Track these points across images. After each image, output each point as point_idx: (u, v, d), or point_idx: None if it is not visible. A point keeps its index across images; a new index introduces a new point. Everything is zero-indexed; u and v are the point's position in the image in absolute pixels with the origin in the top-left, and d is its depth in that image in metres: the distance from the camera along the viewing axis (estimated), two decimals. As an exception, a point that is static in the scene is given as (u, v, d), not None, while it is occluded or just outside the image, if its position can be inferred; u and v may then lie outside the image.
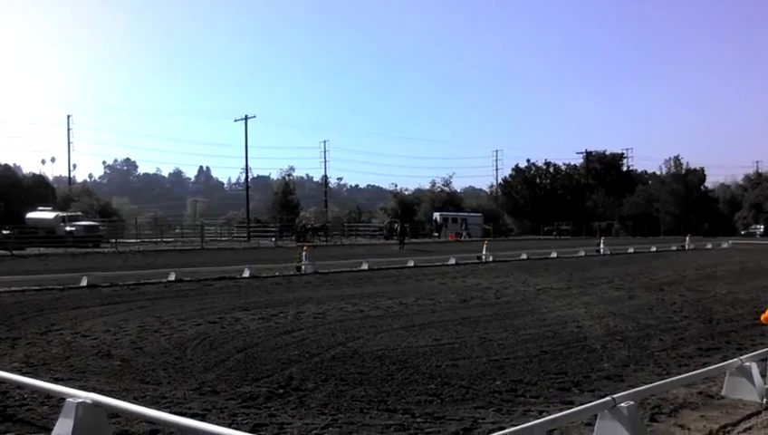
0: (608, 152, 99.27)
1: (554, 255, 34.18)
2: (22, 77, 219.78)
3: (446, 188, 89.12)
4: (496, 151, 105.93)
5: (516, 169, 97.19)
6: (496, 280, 20.89)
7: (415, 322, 12.39)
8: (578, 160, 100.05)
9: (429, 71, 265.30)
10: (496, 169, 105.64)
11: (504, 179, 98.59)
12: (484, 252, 31.73)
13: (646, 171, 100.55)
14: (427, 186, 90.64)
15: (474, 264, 29.17)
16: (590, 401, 6.08)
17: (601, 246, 38.97)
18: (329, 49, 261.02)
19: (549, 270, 25.18)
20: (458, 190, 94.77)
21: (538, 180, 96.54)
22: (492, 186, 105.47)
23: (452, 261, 28.59)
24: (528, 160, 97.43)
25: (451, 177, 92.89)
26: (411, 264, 27.05)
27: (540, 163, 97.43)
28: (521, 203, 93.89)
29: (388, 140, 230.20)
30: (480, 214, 79.09)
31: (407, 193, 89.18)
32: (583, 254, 36.04)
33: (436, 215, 72.49)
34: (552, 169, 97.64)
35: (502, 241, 60.42)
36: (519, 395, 7.36)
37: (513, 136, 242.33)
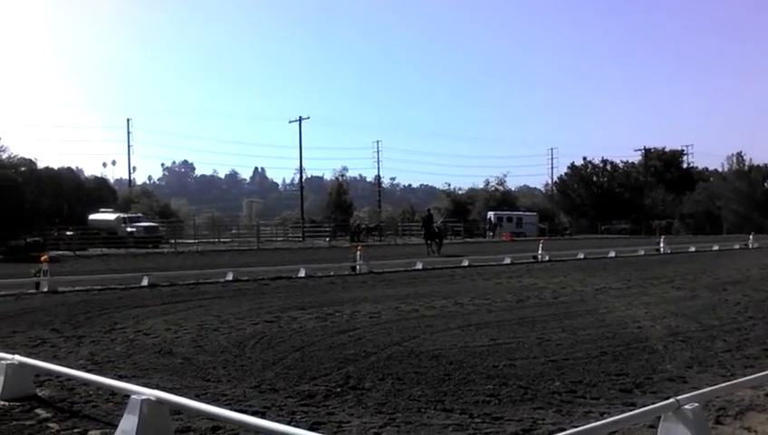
0: (667, 149, 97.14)
1: (612, 254, 33.56)
2: (84, 82, 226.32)
3: (501, 187, 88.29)
4: (551, 149, 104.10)
5: (572, 166, 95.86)
6: (553, 280, 20.61)
7: (471, 321, 12.32)
8: (636, 158, 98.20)
9: (484, 68, 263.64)
10: (551, 168, 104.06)
11: (560, 178, 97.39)
12: (539, 251, 31.36)
13: (707, 168, 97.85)
14: (481, 185, 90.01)
15: (529, 263, 28.84)
16: (653, 403, 5.95)
17: (661, 244, 38.11)
18: (383, 48, 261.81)
19: (607, 270, 24.74)
20: (513, 189, 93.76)
21: (595, 178, 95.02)
22: (547, 184, 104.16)
23: (507, 260, 28.32)
24: (584, 158, 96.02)
25: (505, 175, 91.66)
26: (466, 263, 26.90)
27: (597, 161, 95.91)
28: (577, 202, 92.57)
29: (441, 139, 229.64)
30: (535, 213, 78.22)
31: (460, 192, 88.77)
32: (642, 253, 35.29)
33: (491, 214, 71.92)
34: (609, 167, 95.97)
35: (558, 240, 59.62)
36: (579, 396, 7.25)
37: (568, 133, 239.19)
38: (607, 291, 17.56)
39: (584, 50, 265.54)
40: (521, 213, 76.56)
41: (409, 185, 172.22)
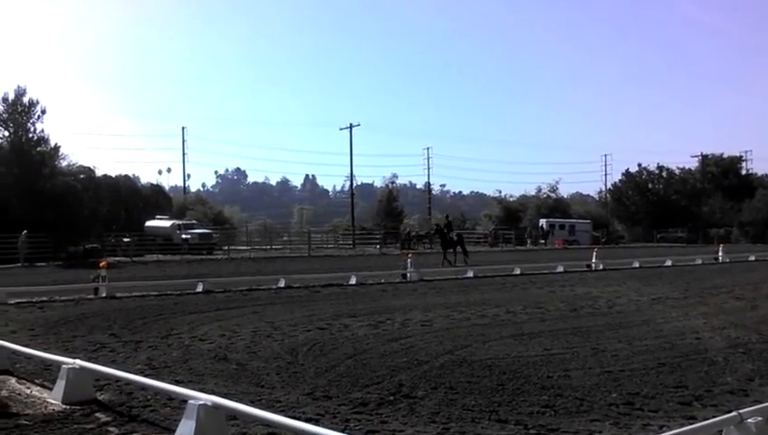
0: (725, 155, 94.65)
1: (669, 263, 32.83)
2: (140, 92, 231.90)
3: (553, 194, 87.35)
4: (605, 156, 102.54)
5: (627, 173, 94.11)
6: (607, 289, 20.26)
7: (524, 330, 12.19)
8: (693, 164, 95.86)
9: (535, 75, 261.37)
10: (605, 175, 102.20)
11: (614, 185, 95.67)
12: (593, 260, 30.88)
13: (767, 175, 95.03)
14: (533, 192, 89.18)
15: (583, 272, 28.42)
16: (714, 417, 5.80)
17: (720, 253, 37.15)
18: (434, 54, 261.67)
19: (663, 279, 24.21)
20: (565, 196, 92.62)
21: (650, 185, 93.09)
22: (600, 191, 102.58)
23: (560, 269, 27.96)
24: (639, 165, 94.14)
25: (557, 182, 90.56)
26: (518, 271, 26.64)
27: (652, 167, 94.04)
28: (632, 209, 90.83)
29: (492, 145, 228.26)
30: (588, 220, 77.04)
31: (511, 199, 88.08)
32: (700, 262, 34.44)
33: (543, 221, 71.15)
34: (665, 174, 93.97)
35: (612, 248, 58.60)
36: (636, 408, 7.10)
37: (622, 140, 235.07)
38: (663, 301, 17.19)
39: (639, 54, 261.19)
40: (573, 220, 75.51)
41: (460, 192, 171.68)
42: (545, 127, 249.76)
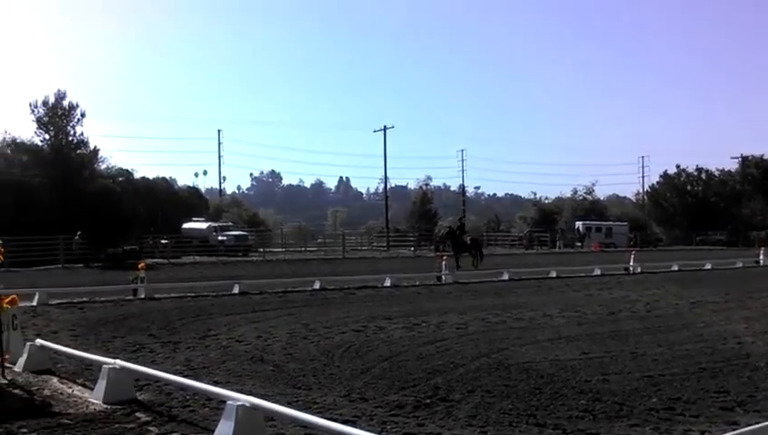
0: (765, 156, 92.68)
1: (708, 266, 32.25)
2: (178, 96, 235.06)
3: (589, 197, 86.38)
4: (642, 157, 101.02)
5: (665, 175, 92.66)
6: (646, 292, 19.98)
7: (561, 334, 12.08)
8: (733, 166, 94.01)
9: (572, 74, 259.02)
10: (642, 176, 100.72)
11: (652, 186, 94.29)
12: (631, 263, 30.46)
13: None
14: (568, 194, 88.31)
15: (620, 275, 28.06)
16: (758, 423, 5.69)
17: (761, 256, 36.39)
18: (467, 57, 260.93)
19: (703, 282, 23.81)
20: (601, 198, 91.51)
21: (689, 187, 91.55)
22: (638, 193, 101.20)
23: (597, 272, 27.65)
24: (677, 166, 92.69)
25: (594, 184, 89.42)
26: (554, 274, 26.40)
27: (691, 169, 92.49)
28: (670, 211, 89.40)
29: (527, 147, 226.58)
30: (626, 223, 76.02)
31: (546, 201, 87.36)
32: (741, 265, 33.78)
33: (579, 224, 70.38)
34: (704, 176, 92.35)
35: (650, 251, 57.76)
36: (677, 414, 6.99)
37: (660, 141, 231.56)
38: (703, 304, 16.90)
39: (678, 54, 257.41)
40: (610, 223, 74.60)
41: (494, 194, 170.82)
42: (582, 129, 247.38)
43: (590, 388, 8.03)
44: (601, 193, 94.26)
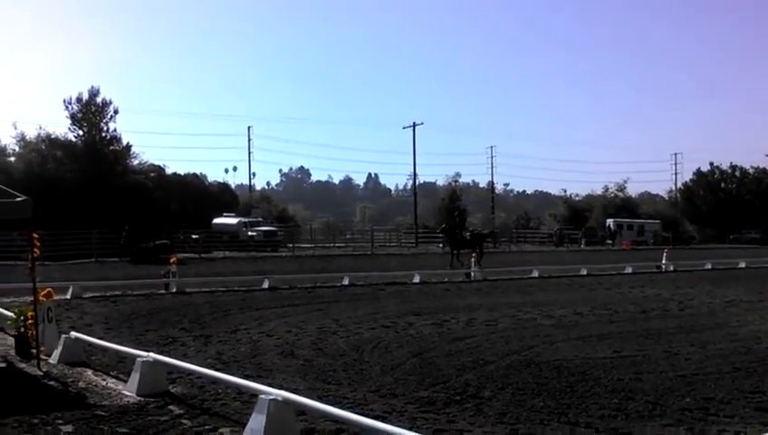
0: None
1: (743, 265, 31.73)
2: (209, 93, 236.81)
3: (620, 194, 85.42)
4: (675, 155, 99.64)
5: (698, 172, 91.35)
6: (678, 291, 19.73)
7: (592, 332, 11.98)
8: (767, 163, 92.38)
9: (602, 71, 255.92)
10: (675, 174, 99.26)
11: (685, 184, 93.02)
12: (663, 261, 30.10)
13: None
14: (600, 191, 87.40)
15: (652, 273, 27.74)
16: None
17: (797, 255, 35.71)
18: (497, 54, 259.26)
19: (737, 281, 23.42)
20: (633, 196, 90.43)
21: (723, 185, 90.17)
22: (671, 191, 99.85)
23: (628, 270, 27.36)
24: (711, 164, 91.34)
25: (625, 182, 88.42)
26: (584, 272, 26.17)
27: (724, 166, 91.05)
28: (703, 209, 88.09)
29: (557, 144, 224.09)
30: (658, 221, 75.04)
31: (577, 199, 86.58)
32: (775, 264, 33.17)
33: (610, 222, 69.62)
34: (738, 173, 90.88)
35: (683, 249, 56.99)
36: (711, 414, 6.90)
37: (693, 138, 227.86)
38: (737, 304, 16.64)
39: (710, 51, 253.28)
40: (642, 221, 73.70)
41: (523, 191, 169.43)
42: (613, 125, 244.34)
43: (622, 387, 7.95)
44: (633, 190, 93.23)
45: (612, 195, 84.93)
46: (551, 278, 24.43)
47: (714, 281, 23.42)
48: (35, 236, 9.20)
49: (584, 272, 26.24)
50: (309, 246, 54.18)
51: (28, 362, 9.35)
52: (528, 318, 13.84)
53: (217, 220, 52.63)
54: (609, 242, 65.08)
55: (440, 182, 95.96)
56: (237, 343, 10.96)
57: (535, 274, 25.19)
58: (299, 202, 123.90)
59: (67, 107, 48.66)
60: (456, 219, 34.52)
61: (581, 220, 75.61)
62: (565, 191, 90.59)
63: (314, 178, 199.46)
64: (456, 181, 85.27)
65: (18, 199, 8.46)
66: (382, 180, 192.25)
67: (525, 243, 65.15)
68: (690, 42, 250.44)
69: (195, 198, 56.74)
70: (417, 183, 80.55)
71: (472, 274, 24.47)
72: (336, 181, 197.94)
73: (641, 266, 29.07)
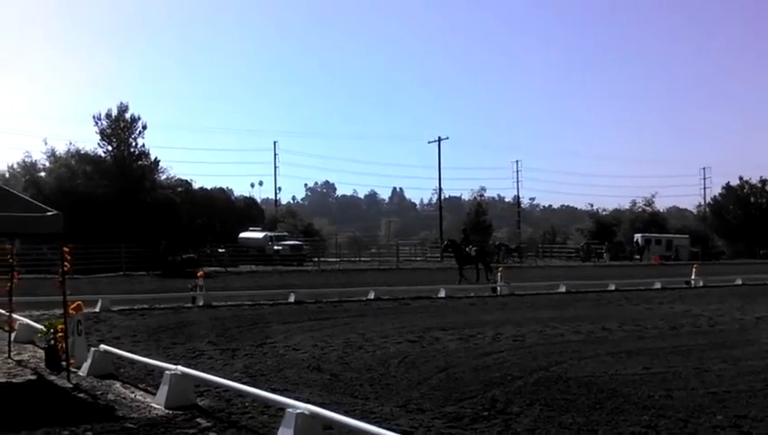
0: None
1: (774, 280, 31.19)
2: (233, 109, 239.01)
3: (648, 208, 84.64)
4: (704, 169, 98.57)
5: (727, 187, 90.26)
6: (708, 307, 19.43)
7: (621, 348, 11.84)
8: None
9: (630, 86, 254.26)
10: (704, 188, 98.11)
11: (714, 198, 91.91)
12: (692, 276, 29.69)
13: None
14: (627, 206, 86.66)
15: (681, 289, 27.37)
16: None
17: (830, 271, 35.03)
18: (523, 68, 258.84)
19: (768, 297, 23.03)
20: (661, 210, 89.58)
21: (752, 199, 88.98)
22: (699, 205, 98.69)
23: (657, 285, 27.05)
24: (740, 178, 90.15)
25: (653, 196, 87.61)
26: (612, 287, 25.91)
27: (754, 181, 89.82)
28: (733, 224, 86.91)
29: (584, 158, 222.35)
30: (686, 235, 74.21)
31: (604, 213, 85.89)
32: (808, 280, 32.55)
33: (638, 236, 68.99)
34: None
35: (712, 265, 56.23)
36: (744, 432, 6.79)
37: (722, 153, 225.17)
38: (769, 320, 16.36)
39: (739, 64, 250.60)
40: (671, 235, 72.89)
41: (549, 206, 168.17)
42: (640, 139, 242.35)
43: (652, 404, 7.83)
44: (661, 205, 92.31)
45: (640, 209, 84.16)
46: (578, 293, 24.21)
47: (744, 297, 23.05)
48: (66, 250, 9.33)
49: (612, 287, 25.98)
50: (334, 260, 54.33)
51: (58, 375, 9.45)
52: (555, 333, 13.71)
53: (243, 234, 52.99)
54: (637, 257, 64.43)
55: (465, 196, 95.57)
56: (264, 356, 10.99)
57: (562, 289, 24.99)
58: (324, 216, 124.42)
59: (96, 123, 49.43)
60: (463, 234, 33.41)
61: (609, 235, 74.97)
62: (592, 206, 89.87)
63: (339, 192, 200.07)
64: (481, 196, 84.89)
65: (49, 214, 8.58)
66: (407, 195, 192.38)
67: (552, 257, 64.71)
68: (719, 54, 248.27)
69: (221, 212, 57.21)
70: (442, 197, 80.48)
71: (498, 289, 24.33)
72: (361, 196, 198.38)
73: (670, 282, 28.72)
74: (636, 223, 78.49)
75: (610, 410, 7.50)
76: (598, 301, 21.51)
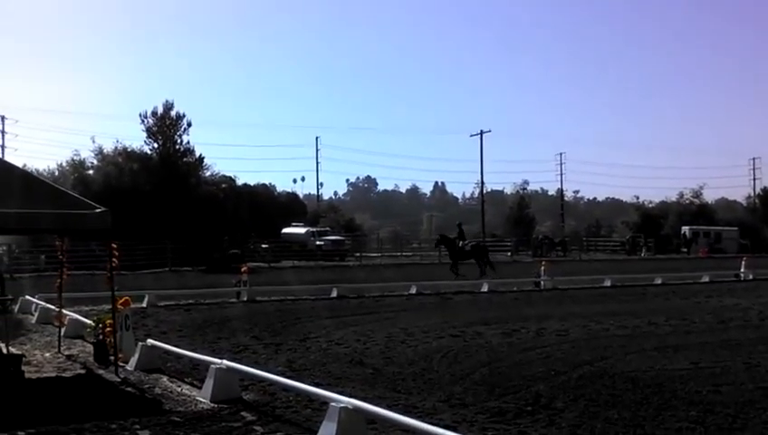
0: None
1: (827, 273, 30.30)
2: (276, 105, 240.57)
3: (696, 200, 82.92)
4: (753, 159, 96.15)
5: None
6: (759, 300, 18.98)
7: (667, 343, 11.64)
8: None
9: (678, 72, 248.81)
10: (754, 179, 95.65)
11: (764, 189, 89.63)
12: (742, 269, 29.02)
13: None
14: (674, 198, 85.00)
15: (731, 282, 26.78)
16: None
17: None
18: (567, 57, 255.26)
19: (822, 290, 22.39)
20: (710, 202, 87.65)
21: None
22: (749, 197, 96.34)
23: (705, 279, 26.52)
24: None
25: (701, 187, 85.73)
26: (659, 281, 25.46)
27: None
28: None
29: (629, 149, 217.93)
30: (736, 228, 72.47)
31: (650, 205, 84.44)
32: None
33: (685, 229, 67.62)
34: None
35: (763, 257, 54.92)
36: (796, 428, 6.60)
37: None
38: (823, 314, 15.91)
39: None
40: (719, 228, 71.29)
41: (594, 198, 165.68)
42: (688, 129, 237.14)
43: (700, 399, 7.69)
44: (710, 197, 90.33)
45: (687, 201, 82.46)
46: (624, 287, 23.87)
47: (797, 290, 22.45)
48: (114, 246, 9.52)
49: (659, 281, 25.54)
50: (376, 255, 54.38)
51: (106, 369, 9.65)
52: (600, 328, 13.54)
53: (286, 230, 53.40)
54: (684, 250, 63.20)
55: (508, 190, 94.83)
56: (307, 351, 11.08)
57: (607, 283, 24.66)
58: (366, 211, 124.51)
59: (143, 121, 50.27)
60: (458, 229, 32.40)
61: (655, 228, 73.63)
62: (638, 198, 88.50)
63: (381, 187, 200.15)
64: (524, 189, 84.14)
65: (98, 211, 8.75)
66: (449, 189, 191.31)
67: (596, 251, 63.86)
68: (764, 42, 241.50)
69: (264, 208, 57.67)
70: (484, 191, 79.91)
71: (541, 283, 24.12)
72: (402, 190, 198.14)
73: (719, 275, 28.11)
74: (684, 215, 76.94)
75: (657, 406, 7.38)
76: (644, 295, 21.20)
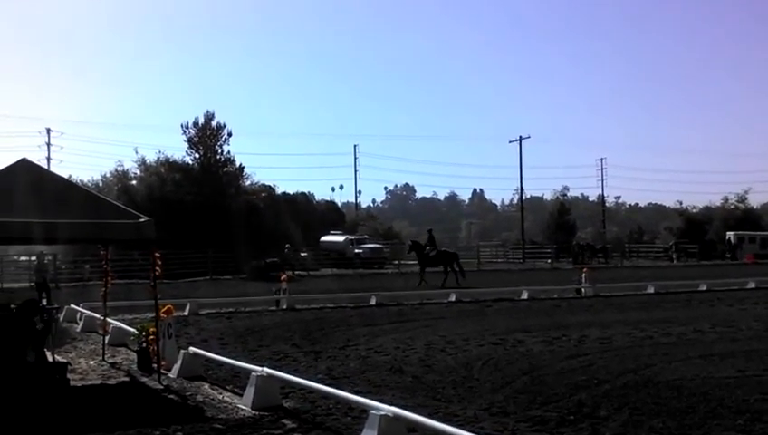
0: None
1: None
2: (316, 114, 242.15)
3: (741, 205, 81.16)
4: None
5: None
6: (808, 307, 18.50)
7: (713, 350, 11.40)
8: None
9: (720, 77, 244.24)
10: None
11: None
12: (790, 275, 28.33)
13: None
14: (719, 202, 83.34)
15: (777, 288, 26.13)
16: None
17: None
18: (609, 62, 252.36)
19: None
20: (755, 207, 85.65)
21: None
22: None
23: (751, 285, 25.93)
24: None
25: (747, 192, 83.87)
26: (703, 287, 25.00)
27: None
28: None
29: (671, 154, 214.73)
30: (783, 233, 70.81)
31: (694, 211, 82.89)
32: None
33: (730, 234, 66.29)
34: None
35: (810, 263, 53.51)
36: None
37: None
38: None
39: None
40: (766, 233, 69.71)
41: (636, 204, 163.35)
42: (731, 133, 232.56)
43: (747, 408, 7.51)
44: (755, 201, 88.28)
45: (732, 206, 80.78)
46: (668, 294, 23.45)
47: None
48: (157, 255, 9.65)
49: (703, 287, 25.06)
50: (414, 262, 54.25)
51: (149, 376, 9.79)
52: (644, 336, 13.31)
53: (325, 238, 53.68)
54: (728, 256, 61.90)
55: (547, 196, 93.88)
56: (347, 358, 11.10)
57: (651, 289, 24.26)
58: (404, 219, 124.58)
59: (184, 131, 51.01)
60: (428, 235, 32.14)
61: (699, 233, 72.27)
62: (681, 203, 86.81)
63: (419, 194, 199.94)
64: (564, 195, 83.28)
65: (142, 220, 8.90)
66: (488, 195, 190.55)
67: (639, 257, 62.91)
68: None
69: (303, 216, 58.04)
70: (523, 197, 79.31)
71: (583, 290, 23.82)
72: (441, 198, 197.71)
73: (765, 281, 27.45)
74: (728, 221, 75.38)
75: (703, 415, 7.24)
76: (688, 302, 20.81)
